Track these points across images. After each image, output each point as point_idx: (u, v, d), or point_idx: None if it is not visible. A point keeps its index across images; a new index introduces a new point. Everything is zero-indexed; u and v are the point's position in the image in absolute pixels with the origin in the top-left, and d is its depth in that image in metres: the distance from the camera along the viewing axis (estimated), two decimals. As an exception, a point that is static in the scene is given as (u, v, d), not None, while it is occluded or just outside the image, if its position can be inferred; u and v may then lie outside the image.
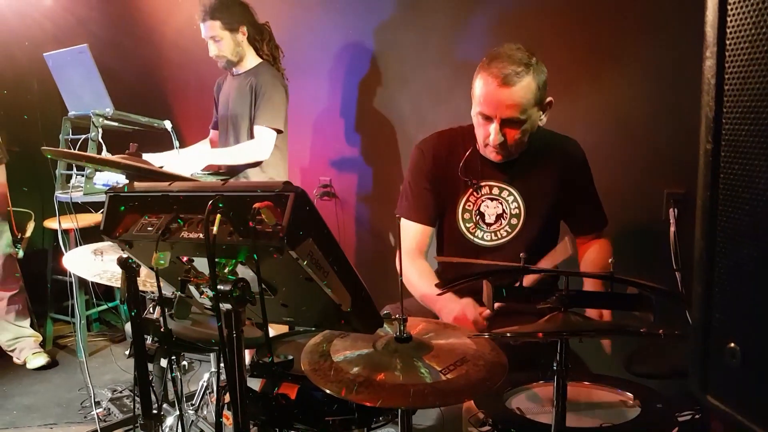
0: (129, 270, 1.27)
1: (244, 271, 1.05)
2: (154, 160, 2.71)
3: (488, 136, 1.70)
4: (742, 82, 0.51)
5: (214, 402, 1.52)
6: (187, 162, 2.55)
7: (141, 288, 1.35)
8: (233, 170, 2.77)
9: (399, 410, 1.25)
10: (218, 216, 0.94)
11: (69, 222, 2.79)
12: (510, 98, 1.62)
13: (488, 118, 1.68)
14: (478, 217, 1.83)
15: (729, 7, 0.51)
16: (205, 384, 2.24)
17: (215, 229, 0.94)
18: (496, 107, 1.64)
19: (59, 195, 2.57)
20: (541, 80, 1.66)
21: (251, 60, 2.79)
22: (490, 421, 1.25)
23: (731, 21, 0.52)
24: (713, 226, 0.55)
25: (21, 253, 3.38)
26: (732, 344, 0.54)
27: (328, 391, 1.14)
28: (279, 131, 2.69)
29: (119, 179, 2.42)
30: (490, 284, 1.16)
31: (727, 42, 0.52)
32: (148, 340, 1.41)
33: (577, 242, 1.90)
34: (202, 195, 1.02)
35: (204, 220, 0.93)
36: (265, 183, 0.97)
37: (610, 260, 1.15)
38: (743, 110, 0.52)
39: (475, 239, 1.84)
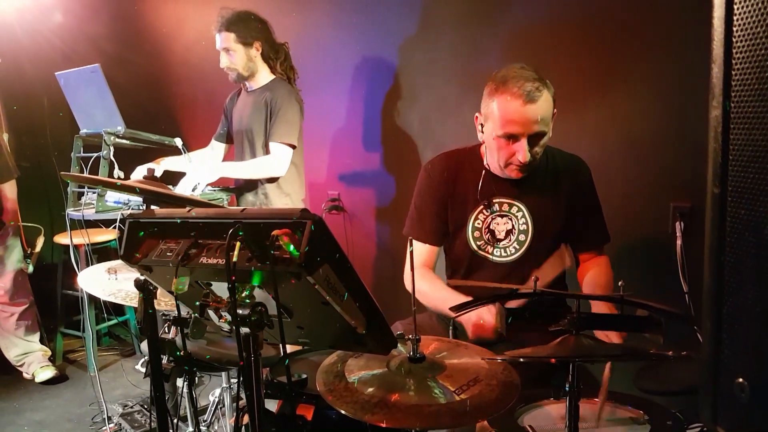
0: (146, 292, 1.30)
1: (260, 294, 1.08)
2: (168, 163, 2.75)
3: (512, 156, 1.72)
4: (747, 132, 0.54)
5: (233, 423, 1.54)
6: (205, 173, 2.57)
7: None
8: (251, 185, 2.80)
9: (413, 430, 1.26)
10: (238, 243, 0.97)
11: (80, 238, 2.83)
12: (536, 113, 1.64)
13: (512, 137, 1.69)
14: (488, 234, 1.86)
15: (734, 61, 0.54)
16: (216, 399, 2.26)
17: (235, 256, 0.96)
18: (524, 125, 1.66)
19: (71, 212, 2.60)
20: (553, 92, 1.70)
21: (265, 76, 2.79)
22: (503, 439, 1.27)
23: (736, 74, 0.55)
24: (721, 267, 0.58)
25: (31, 268, 3.41)
26: (740, 379, 0.57)
27: (343, 412, 1.16)
28: (294, 147, 2.71)
29: (131, 197, 2.46)
30: (502, 307, 1.18)
31: (733, 94, 0.55)
32: (164, 359, 1.43)
33: (579, 258, 1.93)
34: (221, 222, 1.05)
35: (225, 246, 0.96)
36: (283, 210, 1.00)
37: (620, 283, 1.17)
38: (748, 159, 0.55)
39: (485, 254, 1.87)
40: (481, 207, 1.85)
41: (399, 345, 1.30)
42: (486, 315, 1.63)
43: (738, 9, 0.54)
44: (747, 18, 0.53)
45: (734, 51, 0.55)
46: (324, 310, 1.04)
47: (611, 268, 1.88)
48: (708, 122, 0.58)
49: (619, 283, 1.17)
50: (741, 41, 0.54)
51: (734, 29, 0.54)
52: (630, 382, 1.57)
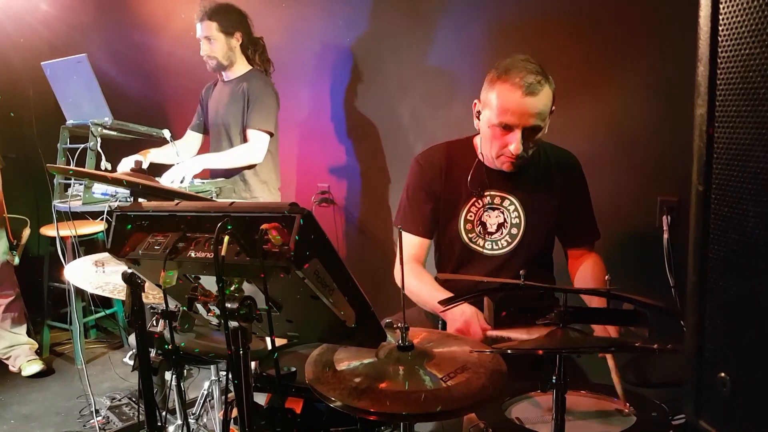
0: (134, 285, 1.29)
1: (249, 288, 1.08)
2: (155, 155, 2.77)
3: (505, 146, 1.72)
4: (731, 131, 0.55)
5: (222, 417, 1.55)
6: (189, 166, 2.58)
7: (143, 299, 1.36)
8: (229, 173, 2.82)
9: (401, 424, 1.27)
10: (226, 237, 0.97)
11: (67, 230, 2.81)
12: (535, 107, 1.65)
13: (508, 128, 1.69)
14: (480, 227, 1.87)
15: (719, 60, 0.55)
16: (205, 392, 2.26)
17: (224, 250, 0.96)
18: (521, 116, 1.66)
19: (58, 204, 2.57)
20: (553, 88, 1.70)
21: (242, 67, 2.86)
22: (490, 430, 1.28)
23: (721, 73, 0.55)
24: (704, 264, 0.59)
25: (17, 260, 3.38)
26: (723, 374, 0.58)
27: (332, 402, 1.16)
28: (271, 134, 2.76)
29: (118, 189, 2.44)
30: (492, 301, 1.19)
31: (718, 93, 0.56)
32: (152, 352, 1.43)
33: (569, 254, 1.95)
34: (210, 215, 1.05)
35: (214, 240, 0.95)
36: (273, 204, 1.00)
37: (606, 277, 1.18)
38: (732, 157, 0.55)
39: (477, 248, 1.88)
40: (473, 199, 1.85)
41: (388, 334, 1.31)
42: (473, 320, 1.62)
43: (723, 9, 0.54)
44: (732, 18, 0.54)
45: (720, 50, 0.55)
46: (313, 304, 1.05)
47: (603, 264, 1.89)
48: (694, 120, 0.59)
49: (606, 277, 1.19)
50: (726, 41, 0.55)
51: (720, 29, 0.55)
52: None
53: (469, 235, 1.87)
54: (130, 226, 1.14)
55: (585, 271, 1.84)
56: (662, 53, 2.20)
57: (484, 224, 1.86)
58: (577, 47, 2.40)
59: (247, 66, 2.87)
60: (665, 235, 2.26)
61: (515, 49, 2.56)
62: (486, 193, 1.85)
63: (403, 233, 1.89)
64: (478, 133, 1.85)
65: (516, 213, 1.85)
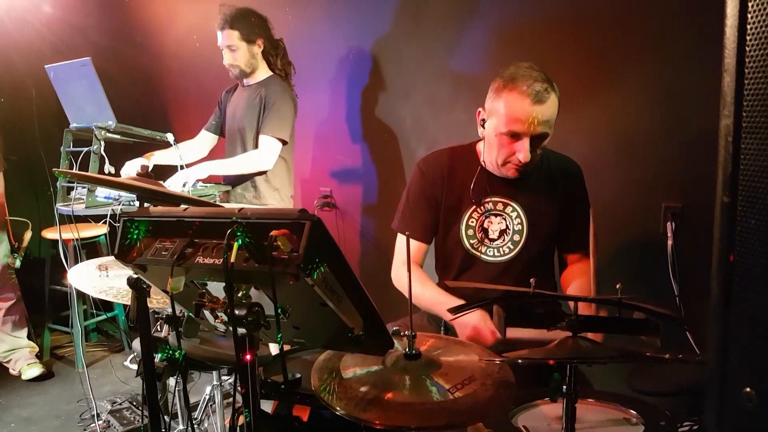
0: (139, 290, 1.28)
1: (255, 293, 1.07)
2: (159, 158, 2.75)
3: (512, 154, 1.73)
4: (759, 141, 0.54)
5: (228, 423, 1.53)
6: (194, 170, 2.56)
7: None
8: (240, 179, 2.80)
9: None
10: (235, 243, 0.96)
11: (69, 233, 2.79)
12: (543, 114, 1.65)
13: (516, 137, 1.70)
14: (482, 233, 1.86)
15: (746, 70, 0.54)
16: (207, 397, 2.25)
17: (233, 256, 0.95)
18: (530, 125, 1.66)
19: (60, 207, 2.57)
20: (558, 94, 1.71)
21: (263, 72, 2.83)
22: (497, 439, 1.27)
23: (748, 83, 0.54)
24: (729, 276, 0.58)
25: (18, 263, 3.38)
26: (748, 389, 0.57)
27: (338, 410, 1.15)
28: (284, 142, 2.72)
29: (121, 193, 2.43)
30: (502, 310, 1.19)
31: (745, 104, 0.55)
32: (156, 358, 1.42)
33: (567, 259, 1.95)
34: (218, 221, 1.04)
35: (224, 246, 0.94)
36: (282, 210, 0.99)
37: (618, 285, 1.17)
38: (760, 168, 0.54)
39: (478, 254, 1.87)
40: (475, 206, 1.85)
41: (395, 341, 1.30)
42: (483, 322, 1.63)
43: (751, 18, 0.54)
44: (761, 28, 0.53)
45: (747, 60, 0.54)
46: (321, 311, 1.04)
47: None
48: (719, 131, 0.58)
49: (617, 285, 1.18)
50: (755, 50, 0.54)
51: (747, 38, 0.54)
52: (622, 382, 1.58)
53: (471, 242, 1.87)
54: (136, 232, 1.13)
55: (574, 289, 1.83)
56: (665, 57, 2.19)
57: (486, 231, 1.86)
58: (579, 51, 2.39)
59: (268, 71, 2.83)
60: (669, 242, 2.25)
61: (518, 52, 2.55)
62: (488, 200, 1.85)
63: (402, 236, 1.90)
64: (481, 139, 1.85)
65: (518, 219, 1.84)
